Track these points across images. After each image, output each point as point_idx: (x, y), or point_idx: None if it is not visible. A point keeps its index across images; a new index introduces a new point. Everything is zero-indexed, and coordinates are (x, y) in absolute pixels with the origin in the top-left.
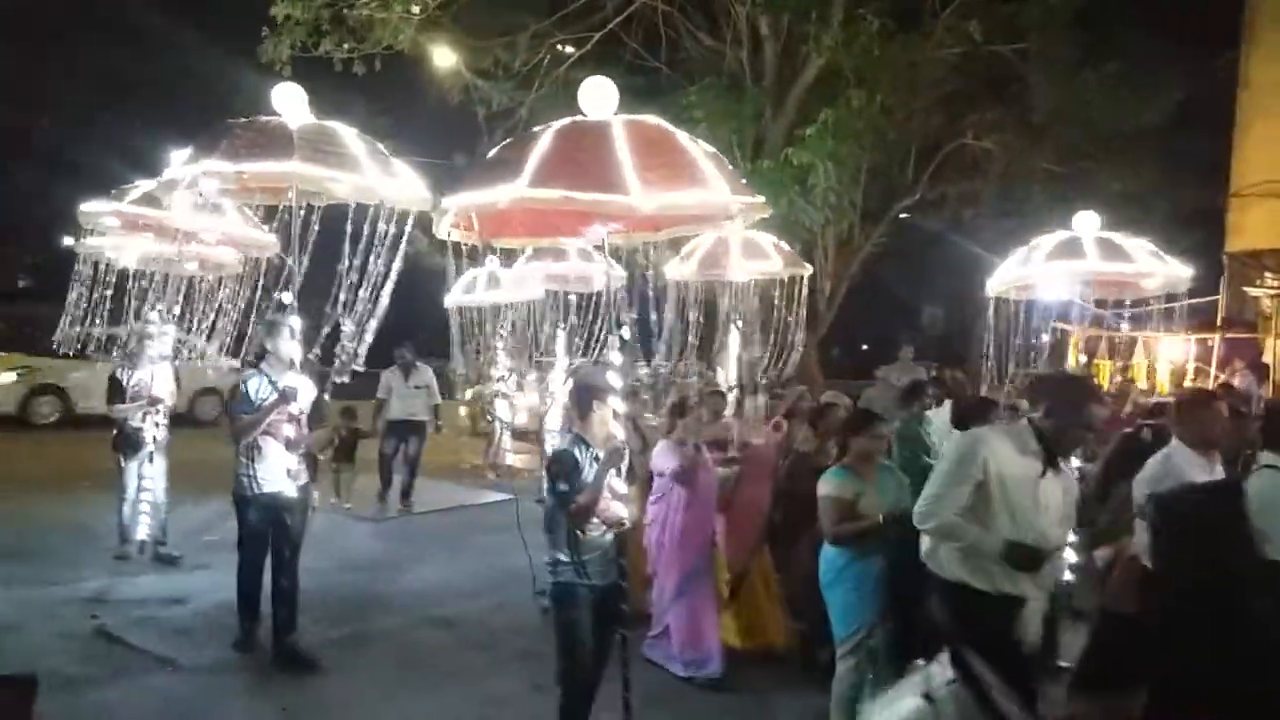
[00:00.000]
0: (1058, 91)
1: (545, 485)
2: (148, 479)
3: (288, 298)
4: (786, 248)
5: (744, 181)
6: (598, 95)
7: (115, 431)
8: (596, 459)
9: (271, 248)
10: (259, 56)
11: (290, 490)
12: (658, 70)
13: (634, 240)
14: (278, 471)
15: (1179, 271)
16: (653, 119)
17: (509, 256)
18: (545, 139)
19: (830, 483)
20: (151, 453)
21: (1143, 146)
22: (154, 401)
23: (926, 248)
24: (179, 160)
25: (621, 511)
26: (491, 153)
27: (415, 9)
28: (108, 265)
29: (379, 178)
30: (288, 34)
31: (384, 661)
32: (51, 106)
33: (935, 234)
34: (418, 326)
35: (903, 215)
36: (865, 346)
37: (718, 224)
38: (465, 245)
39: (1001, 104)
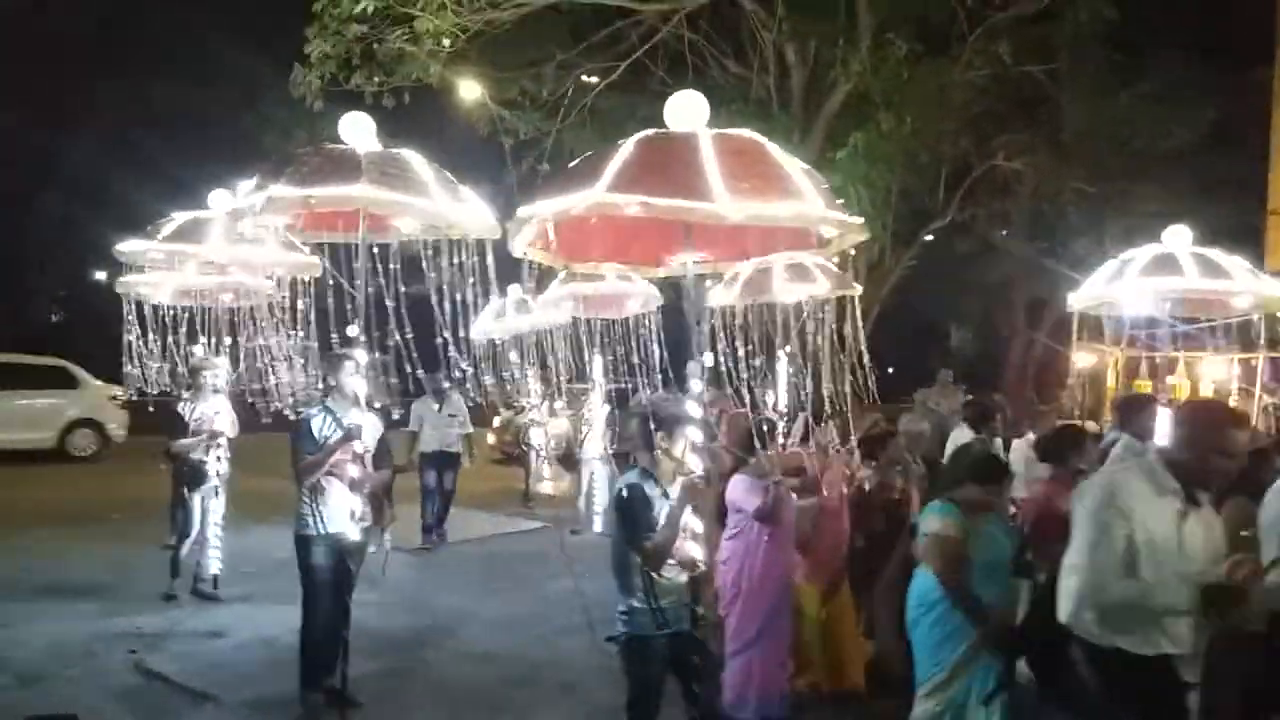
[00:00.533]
0: (1089, 111)
1: (599, 521)
2: (213, 513)
3: (353, 330)
4: (833, 268)
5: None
6: (686, 107)
7: (177, 466)
8: (665, 494)
9: (314, 268)
10: (290, 89)
11: (353, 533)
12: None
13: (719, 269)
14: (341, 513)
15: (1272, 289)
16: (745, 132)
17: (542, 280)
18: (628, 147)
19: (938, 520)
20: (216, 487)
21: (1176, 165)
22: (215, 436)
23: (956, 268)
24: (244, 190)
25: (696, 552)
26: (573, 164)
27: (446, 42)
28: (143, 304)
29: (448, 203)
30: (319, 67)
31: (425, 697)
32: (80, 138)
33: (965, 255)
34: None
35: (929, 237)
36: (891, 370)
37: (811, 247)
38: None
39: (1032, 125)
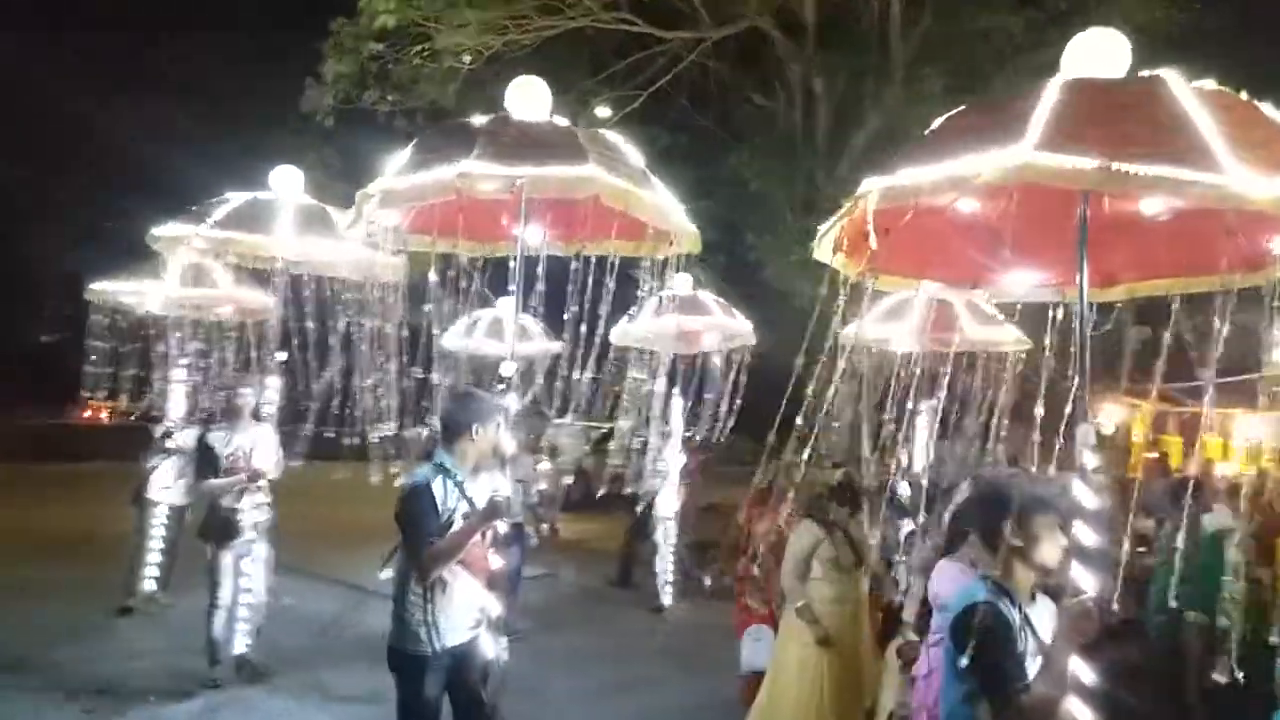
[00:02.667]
0: None
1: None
2: (246, 576)
3: (508, 369)
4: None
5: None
6: (1102, 44)
7: (206, 516)
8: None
9: (397, 269)
10: (300, 106)
11: (478, 639)
12: (705, 129)
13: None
14: (466, 617)
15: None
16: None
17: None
18: (1052, 92)
19: None
20: (252, 542)
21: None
22: (255, 476)
23: None
24: (393, 167)
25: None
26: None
27: (466, 58)
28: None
29: (666, 198)
30: (333, 86)
31: None
32: (82, 155)
33: None
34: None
35: None
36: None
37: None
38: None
39: None
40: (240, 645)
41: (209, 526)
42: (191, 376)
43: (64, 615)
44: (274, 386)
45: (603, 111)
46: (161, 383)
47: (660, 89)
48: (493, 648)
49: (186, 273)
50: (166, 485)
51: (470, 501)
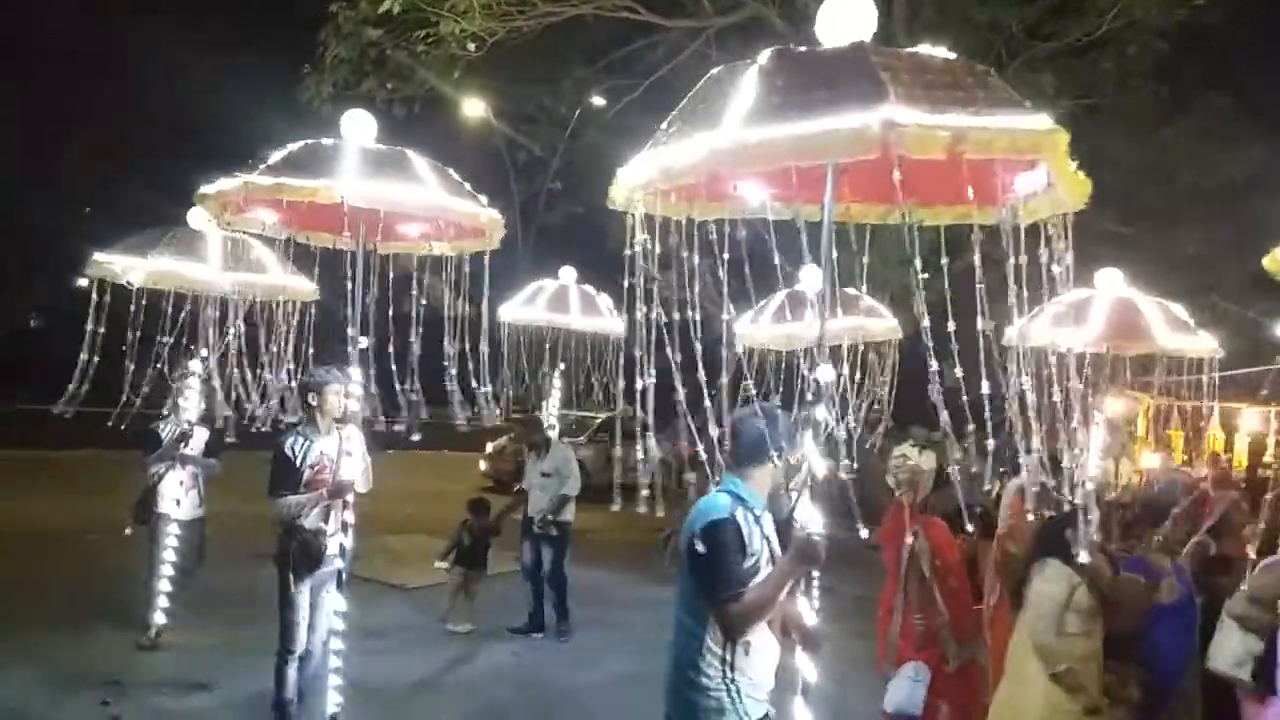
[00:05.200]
0: (1131, 146)
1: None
2: (329, 615)
3: (825, 374)
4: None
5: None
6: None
7: (282, 538)
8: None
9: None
10: (299, 94)
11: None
12: None
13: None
14: (767, 681)
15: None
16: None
17: None
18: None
19: None
20: (342, 573)
21: (1217, 205)
22: (341, 490)
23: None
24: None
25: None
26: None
27: (471, 46)
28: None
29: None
30: (331, 72)
31: None
32: (73, 142)
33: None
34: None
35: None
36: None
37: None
38: None
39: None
40: (331, 704)
41: (285, 552)
42: (205, 369)
43: (65, 612)
44: (357, 380)
45: (599, 101)
46: (178, 376)
47: (661, 79)
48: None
49: (227, 252)
50: (177, 498)
51: (769, 540)
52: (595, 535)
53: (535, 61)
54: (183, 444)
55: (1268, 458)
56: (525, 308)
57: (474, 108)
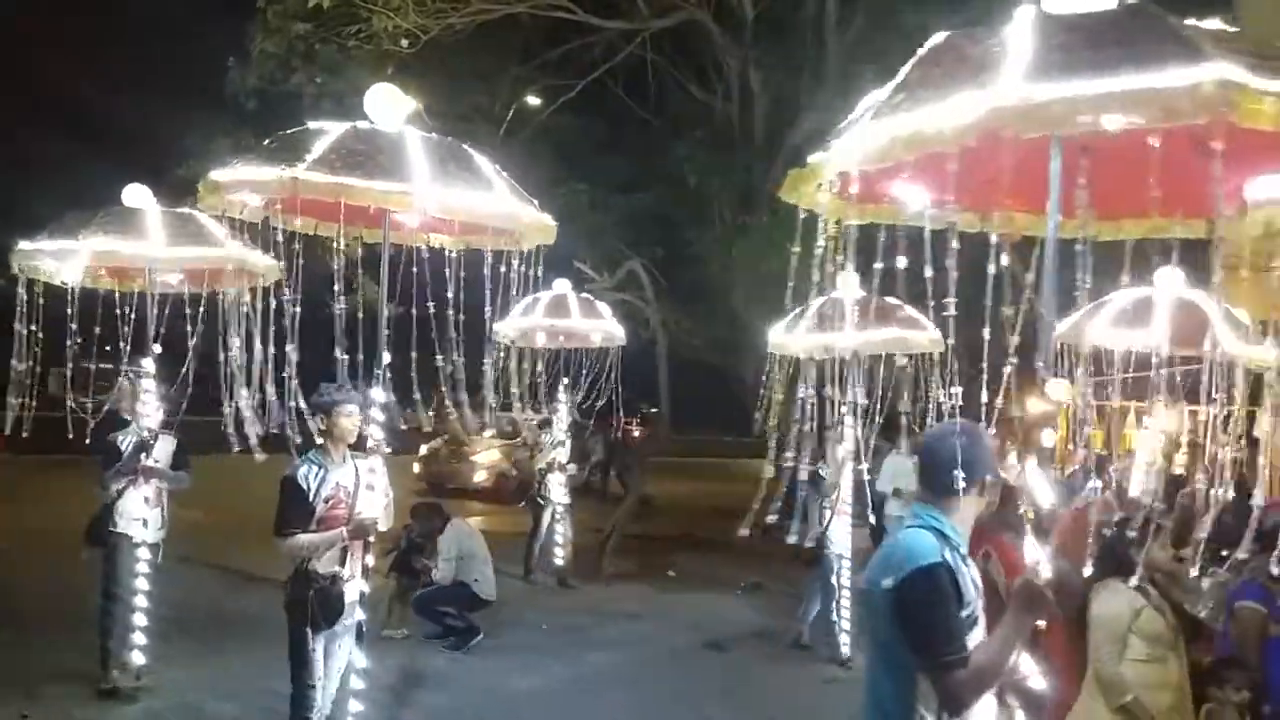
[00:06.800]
0: None
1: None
2: (341, 667)
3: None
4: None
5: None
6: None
7: (294, 583)
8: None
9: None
10: (225, 88)
11: None
12: (642, 121)
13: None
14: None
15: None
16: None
17: None
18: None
19: None
20: (361, 625)
21: None
22: (363, 532)
23: None
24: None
25: None
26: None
27: (404, 42)
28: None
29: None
30: (259, 66)
31: None
32: None
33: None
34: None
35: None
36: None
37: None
38: None
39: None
40: None
41: (300, 602)
42: (161, 368)
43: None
44: (379, 401)
45: (534, 100)
46: (129, 375)
47: (597, 79)
48: None
49: (175, 228)
50: (143, 517)
51: (979, 587)
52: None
53: (469, 59)
54: (143, 455)
55: (1178, 457)
56: (524, 318)
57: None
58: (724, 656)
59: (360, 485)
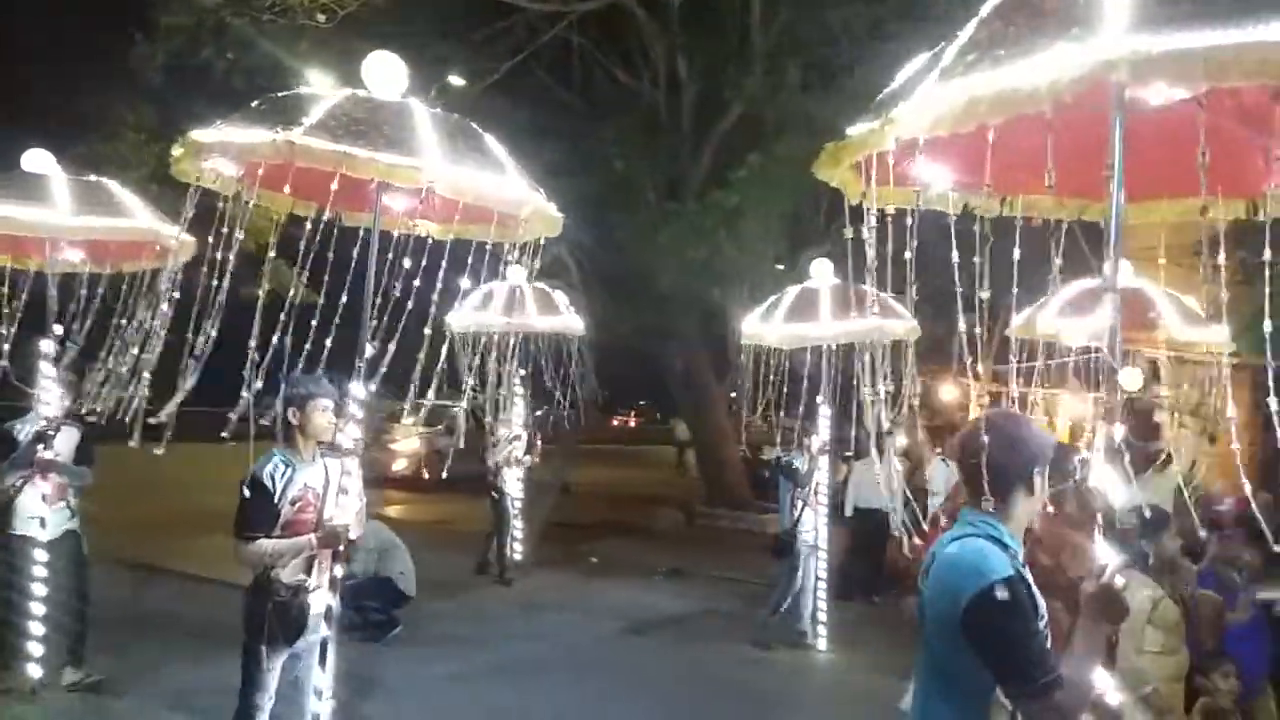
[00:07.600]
0: None
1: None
2: (308, 693)
3: (1132, 380)
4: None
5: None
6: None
7: (251, 596)
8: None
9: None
10: (130, 63)
11: None
12: (568, 105)
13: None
14: None
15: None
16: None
17: None
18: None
19: None
20: (326, 642)
21: None
22: (333, 540)
23: None
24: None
25: None
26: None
27: (321, 17)
28: None
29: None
30: (165, 40)
31: None
32: None
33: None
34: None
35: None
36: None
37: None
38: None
39: None
40: None
41: (256, 615)
42: (69, 349)
43: None
44: (358, 396)
45: (458, 81)
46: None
47: (522, 62)
48: None
49: (83, 196)
50: (40, 516)
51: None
52: (450, 525)
53: (389, 37)
54: (42, 446)
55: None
56: (478, 313)
57: (322, 81)
58: (643, 640)
59: (331, 487)
